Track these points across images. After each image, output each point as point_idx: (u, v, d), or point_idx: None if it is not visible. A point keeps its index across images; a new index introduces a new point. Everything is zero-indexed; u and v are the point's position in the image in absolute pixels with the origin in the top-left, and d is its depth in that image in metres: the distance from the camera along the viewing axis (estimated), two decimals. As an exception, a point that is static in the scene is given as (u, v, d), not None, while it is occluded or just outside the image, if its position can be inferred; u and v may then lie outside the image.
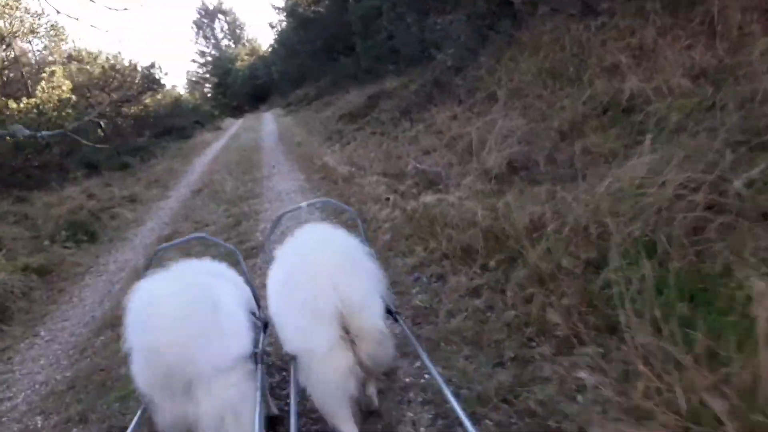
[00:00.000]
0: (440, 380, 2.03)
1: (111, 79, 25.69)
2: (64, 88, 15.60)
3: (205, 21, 69.94)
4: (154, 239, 7.93)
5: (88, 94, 25.78)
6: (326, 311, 2.06)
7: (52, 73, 16.18)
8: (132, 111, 29.82)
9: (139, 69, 27.35)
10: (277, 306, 2.42)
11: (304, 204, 2.89)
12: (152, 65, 27.59)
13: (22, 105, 14.14)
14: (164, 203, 10.97)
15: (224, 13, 70.36)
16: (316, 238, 2.37)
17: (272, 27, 47.01)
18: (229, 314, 2.29)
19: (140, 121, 31.62)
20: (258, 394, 2.13)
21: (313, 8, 25.62)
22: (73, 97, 16.22)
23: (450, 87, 9.49)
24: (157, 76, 27.81)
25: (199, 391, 2.02)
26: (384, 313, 2.31)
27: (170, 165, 15.47)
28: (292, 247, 2.44)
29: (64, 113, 14.90)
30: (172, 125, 30.96)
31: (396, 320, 2.47)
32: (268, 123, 27.53)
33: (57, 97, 14.89)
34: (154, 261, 2.71)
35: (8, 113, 13.40)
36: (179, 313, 2.00)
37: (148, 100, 30.20)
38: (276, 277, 2.49)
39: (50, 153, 14.13)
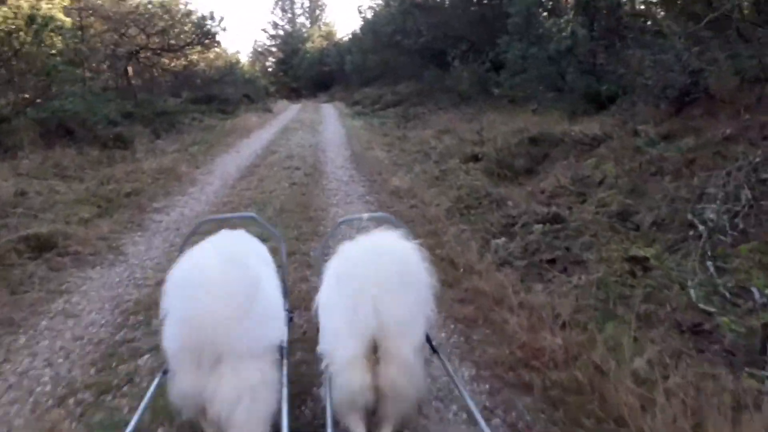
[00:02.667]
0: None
1: (155, 18, 20.29)
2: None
3: None
4: None
5: (122, 30, 20.40)
6: (360, 325, 2.01)
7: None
8: (173, 65, 24.45)
9: (194, 17, 21.82)
10: (324, 303, 2.38)
11: (365, 215, 2.85)
12: (210, 16, 22.00)
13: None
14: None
15: None
16: (374, 247, 2.27)
17: (360, 12, 41.33)
18: (269, 301, 2.32)
19: (180, 78, 26.28)
20: (284, 389, 2.12)
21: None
22: (63, 18, 10.51)
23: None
24: (212, 30, 22.26)
25: (226, 368, 1.98)
26: (422, 342, 2.21)
27: (175, 164, 9.68)
28: (351, 250, 2.38)
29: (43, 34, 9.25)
30: (216, 93, 25.38)
31: (434, 351, 2.36)
32: (330, 120, 21.67)
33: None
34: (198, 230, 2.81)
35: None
36: (225, 289, 2.01)
37: (194, 56, 24.74)
38: (330, 276, 2.42)
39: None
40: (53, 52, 9.88)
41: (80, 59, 12.96)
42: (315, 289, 2.68)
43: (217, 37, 23.30)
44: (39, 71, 9.09)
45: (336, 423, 2.10)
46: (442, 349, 2.38)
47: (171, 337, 2.10)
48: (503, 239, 4.93)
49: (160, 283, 2.73)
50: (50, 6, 9.66)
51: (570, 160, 6.98)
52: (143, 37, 21.08)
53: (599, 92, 9.37)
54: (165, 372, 2.19)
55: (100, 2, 19.27)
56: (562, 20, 10.25)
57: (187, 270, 2.13)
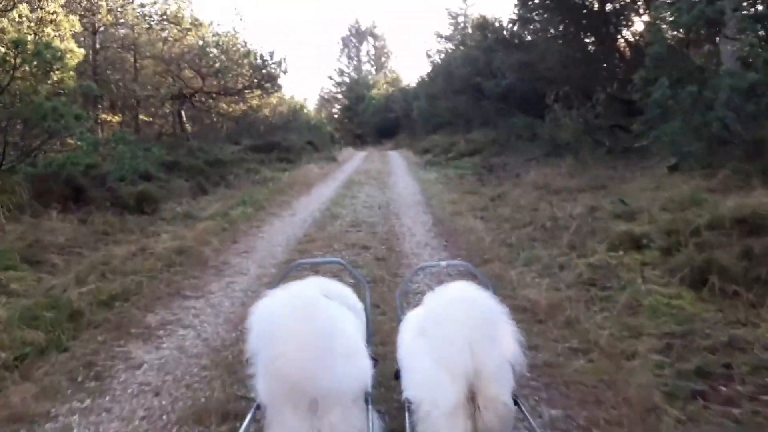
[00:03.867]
0: None
1: (210, 59, 18.62)
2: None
3: (353, 40, 66.37)
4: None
5: (176, 72, 18.82)
6: (458, 370, 1.99)
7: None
8: (231, 109, 22.77)
9: (252, 58, 20.04)
10: (409, 350, 2.38)
11: (443, 263, 2.95)
12: (270, 56, 20.18)
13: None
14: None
15: (375, 36, 66.54)
16: (462, 295, 2.28)
17: (429, 57, 39.36)
18: (357, 347, 2.33)
19: (242, 125, 24.61)
20: None
21: (518, 28, 17.10)
22: (72, 48, 8.41)
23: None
24: (273, 72, 20.42)
25: (324, 408, 1.99)
26: (513, 390, 2.16)
27: (202, 239, 7.17)
28: (438, 298, 2.40)
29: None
30: (278, 141, 23.44)
31: (516, 403, 2.19)
32: (399, 171, 19.14)
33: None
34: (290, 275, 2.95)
35: None
36: (309, 333, 2.00)
37: (255, 100, 23.00)
38: (415, 322, 2.46)
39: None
40: (63, 90, 7.86)
41: (96, 97, 10.94)
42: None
43: (279, 81, 21.49)
44: (32, 114, 6.92)
45: None
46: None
47: (260, 377, 2.09)
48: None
49: None
50: (55, 33, 7.64)
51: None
52: (198, 79, 19.46)
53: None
54: (258, 407, 2.18)
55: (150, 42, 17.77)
56: (736, 45, 7.32)
57: (271, 311, 2.11)
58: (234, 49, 20.20)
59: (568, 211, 8.01)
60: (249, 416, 2.20)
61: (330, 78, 75.77)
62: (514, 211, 9.04)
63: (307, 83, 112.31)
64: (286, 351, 1.94)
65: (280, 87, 22.67)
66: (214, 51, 19.88)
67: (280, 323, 2.02)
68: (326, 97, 64.66)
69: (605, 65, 14.73)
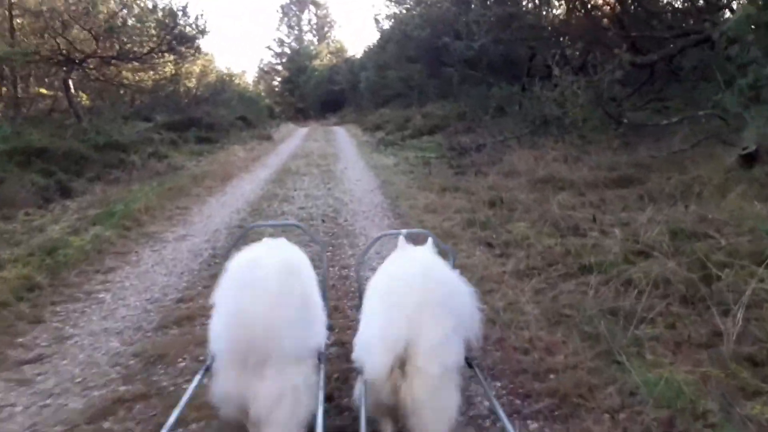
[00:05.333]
0: None
1: (106, 14, 14.36)
2: None
3: (294, 8, 62.51)
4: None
5: (59, 30, 14.48)
6: (392, 339, 2.02)
7: None
8: (138, 79, 18.44)
9: (160, 13, 15.80)
10: (366, 313, 2.39)
11: (404, 231, 2.83)
12: (183, 11, 16.00)
13: None
14: None
15: (317, 5, 62.60)
16: (415, 264, 2.32)
17: (378, 22, 35.41)
18: (316, 307, 2.37)
19: (154, 97, 20.27)
20: (321, 392, 2.15)
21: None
22: None
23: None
24: (188, 31, 16.28)
25: (272, 370, 2.02)
26: (457, 363, 2.14)
27: None
28: (394, 265, 2.49)
29: None
30: (198, 117, 19.31)
31: (470, 366, 2.30)
32: (349, 155, 15.54)
33: None
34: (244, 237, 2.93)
35: None
36: (283, 294, 2.06)
37: (169, 68, 18.76)
38: (372, 288, 2.47)
39: None
40: None
41: None
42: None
43: (198, 43, 17.36)
44: None
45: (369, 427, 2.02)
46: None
47: (220, 331, 2.11)
48: None
49: None
50: None
51: None
52: (91, 41, 15.17)
53: None
54: (208, 368, 2.21)
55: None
56: None
57: (244, 267, 2.15)
58: (137, 2, 15.97)
59: (639, 231, 4.73)
60: (197, 377, 2.19)
61: (269, 48, 71.51)
62: (534, 228, 5.72)
63: (247, 54, 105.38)
64: (250, 306, 1.99)
65: (198, 50, 18.49)
66: (111, 3, 15.65)
67: (246, 279, 2.07)
68: (265, 69, 61.49)
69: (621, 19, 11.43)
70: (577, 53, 10.58)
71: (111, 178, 10.25)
